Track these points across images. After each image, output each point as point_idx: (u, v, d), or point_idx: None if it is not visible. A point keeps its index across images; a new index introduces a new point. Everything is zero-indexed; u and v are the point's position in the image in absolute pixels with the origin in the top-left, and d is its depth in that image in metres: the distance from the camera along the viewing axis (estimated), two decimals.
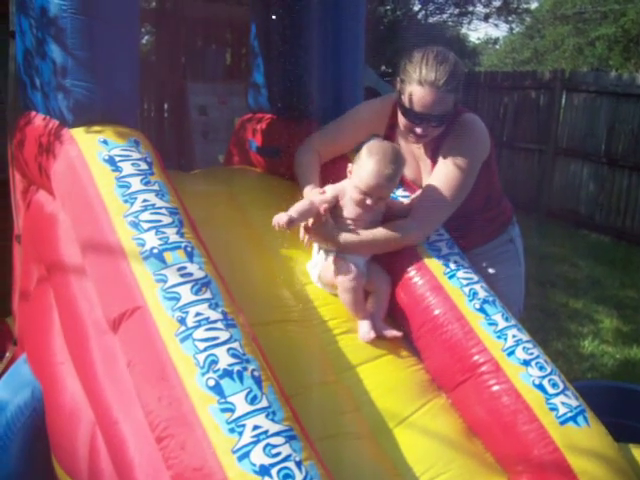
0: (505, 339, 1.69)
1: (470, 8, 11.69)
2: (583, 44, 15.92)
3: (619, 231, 6.62)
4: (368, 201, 1.82)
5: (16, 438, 1.73)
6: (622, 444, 1.62)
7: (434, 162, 2.00)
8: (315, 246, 1.96)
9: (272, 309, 1.79)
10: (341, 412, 1.59)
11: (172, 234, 1.52)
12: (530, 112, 7.66)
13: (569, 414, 1.56)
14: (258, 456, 1.19)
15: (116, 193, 1.58)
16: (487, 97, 8.18)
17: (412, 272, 1.86)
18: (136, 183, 1.61)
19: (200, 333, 1.34)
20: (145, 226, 1.52)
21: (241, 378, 1.29)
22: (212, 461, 1.19)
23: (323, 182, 2.05)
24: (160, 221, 1.54)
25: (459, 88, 1.88)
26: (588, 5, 15.66)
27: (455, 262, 1.86)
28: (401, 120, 1.96)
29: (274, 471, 1.18)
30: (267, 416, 1.26)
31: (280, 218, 1.80)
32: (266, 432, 1.23)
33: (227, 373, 1.29)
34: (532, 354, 1.68)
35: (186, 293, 1.41)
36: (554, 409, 1.56)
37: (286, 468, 1.19)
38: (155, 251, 1.47)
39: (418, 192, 1.99)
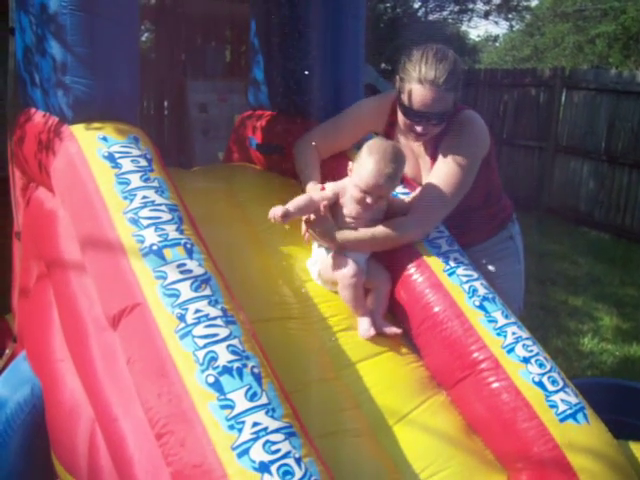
0: (505, 336, 1.69)
1: (470, 5, 11.66)
2: (583, 42, 15.88)
3: (619, 229, 6.62)
4: (368, 200, 1.82)
5: (16, 435, 1.73)
6: (622, 441, 1.63)
7: (434, 159, 1.99)
8: (315, 243, 1.96)
9: (272, 306, 1.79)
10: (341, 409, 1.59)
11: (172, 231, 1.52)
12: (530, 110, 7.65)
13: (569, 411, 1.56)
14: (258, 453, 1.19)
15: (116, 190, 1.57)
16: (487, 95, 8.18)
17: (412, 269, 1.85)
18: (136, 180, 1.61)
19: (200, 330, 1.34)
20: (145, 223, 1.51)
21: (241, 375, 1.29)
22: (212, 458, 1.19)
23: (323, 179, 2.05)
24: (160, 218, 1.54)
25: (459, 86, 1.87)
26: (588, 2, 15.62)
27: (455, 259, 1.86)
28: (401, 118, 1.95)
29: (274, 468, 1.18)
30: (267, 413, 1.26)
31: (276, 211, 1.80)
32: (266, 429, 1.23)
33: (227, 370, 1.29)
34: (532, 351, 1.68)
35: (186, 290, 1.41)
36: (554, 406, 1.56)
37: (286, 465, 1.19)
38: (155, 248, 1.47)
39: (418, 190, 1.99)
